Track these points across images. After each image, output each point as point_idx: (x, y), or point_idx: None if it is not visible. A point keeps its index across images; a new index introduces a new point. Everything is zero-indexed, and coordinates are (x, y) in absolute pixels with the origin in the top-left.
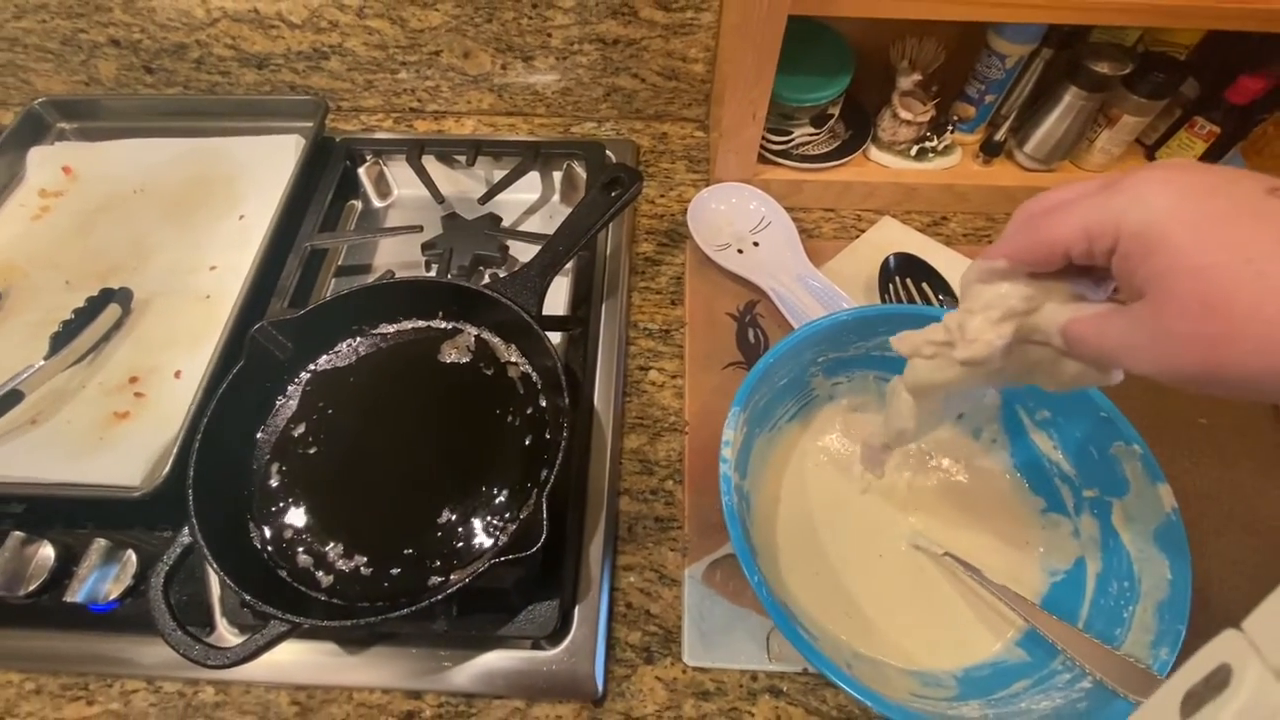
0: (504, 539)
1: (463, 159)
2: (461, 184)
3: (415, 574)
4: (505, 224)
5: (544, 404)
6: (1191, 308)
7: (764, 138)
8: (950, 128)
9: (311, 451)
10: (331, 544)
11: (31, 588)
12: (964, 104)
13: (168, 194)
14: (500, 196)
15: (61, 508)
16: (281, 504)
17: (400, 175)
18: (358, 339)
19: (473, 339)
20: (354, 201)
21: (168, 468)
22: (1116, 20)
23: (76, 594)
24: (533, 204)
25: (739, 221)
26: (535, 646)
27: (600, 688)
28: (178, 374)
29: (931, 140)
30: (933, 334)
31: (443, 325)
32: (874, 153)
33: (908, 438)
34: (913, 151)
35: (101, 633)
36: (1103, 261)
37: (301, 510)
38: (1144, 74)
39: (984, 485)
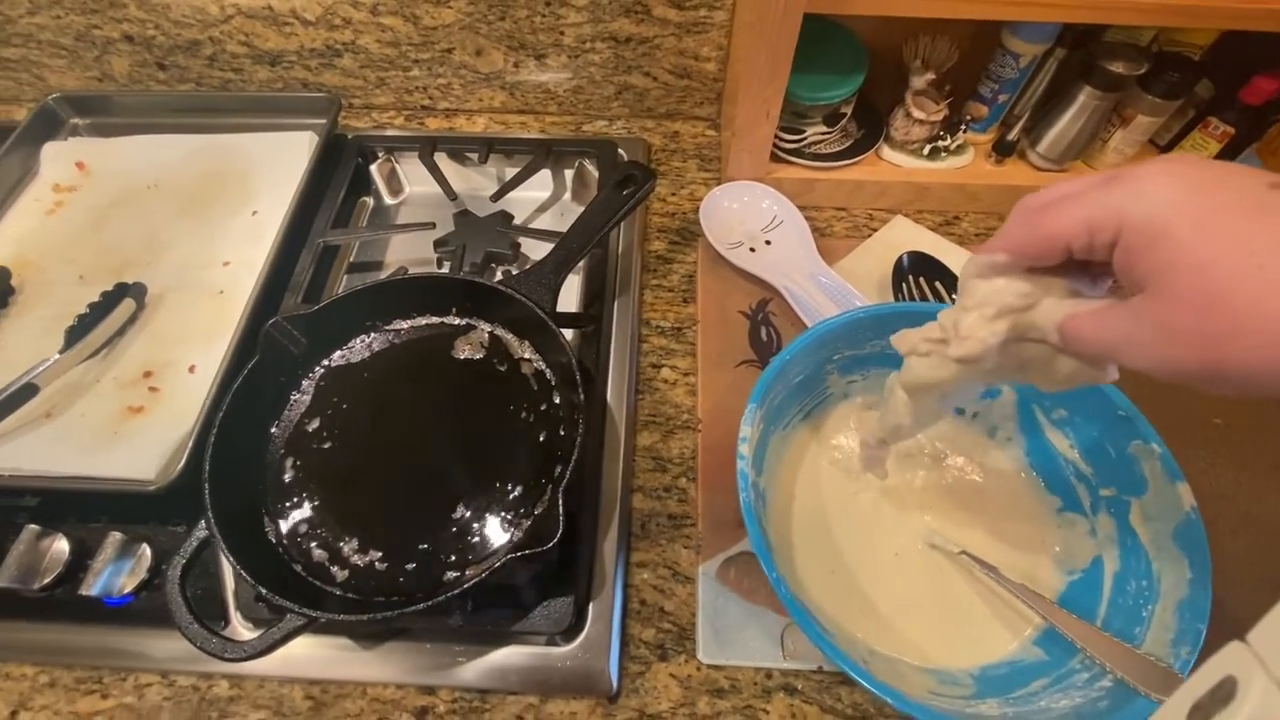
0: (518, 535)
1: (475, 156)
2: (473, 181)
3: (430, 569)
4: (517, 221)
5: (558, 400)
6: (1194, 303)
7: (776, 136)
8: (963, 127)
9: (326, 446)
10: (346, 539)
11: (46, 581)
12: (977, 103)
13: (181, 189)
14: (512, 194)
15: (76, 501)
16: (296, 498)
17: (412, 172)
18: (371, 335)
19: (486, 335)
20: (366, 198)
21: (183, 462)
22: (1132, 20)
23: (91, 587)
24: (544, 201)
25: (751, 220)
26: (549, 643)
27: (614, 684)
28: (192, 369)
29: (944, 139)
30: (929, 331)
31: (456, 321)
32: (886, 152)
33: (904, 434)
34: (925, 151)
35: (115, 626)
36: (1103, 255)
37: (316, 505)
38: (1159, 74)
39: (999, 484)
